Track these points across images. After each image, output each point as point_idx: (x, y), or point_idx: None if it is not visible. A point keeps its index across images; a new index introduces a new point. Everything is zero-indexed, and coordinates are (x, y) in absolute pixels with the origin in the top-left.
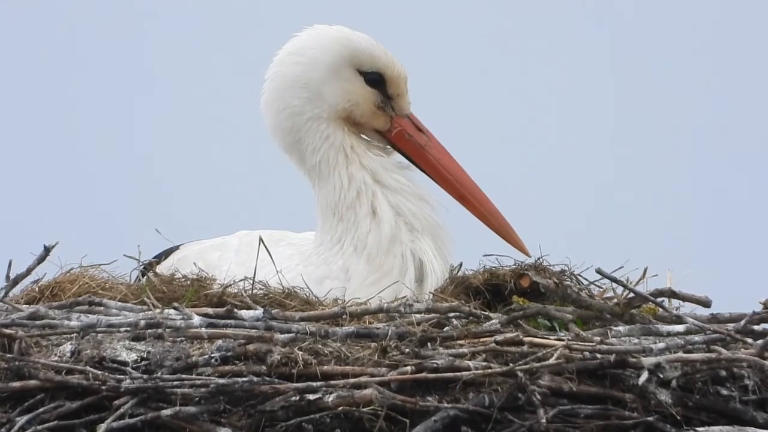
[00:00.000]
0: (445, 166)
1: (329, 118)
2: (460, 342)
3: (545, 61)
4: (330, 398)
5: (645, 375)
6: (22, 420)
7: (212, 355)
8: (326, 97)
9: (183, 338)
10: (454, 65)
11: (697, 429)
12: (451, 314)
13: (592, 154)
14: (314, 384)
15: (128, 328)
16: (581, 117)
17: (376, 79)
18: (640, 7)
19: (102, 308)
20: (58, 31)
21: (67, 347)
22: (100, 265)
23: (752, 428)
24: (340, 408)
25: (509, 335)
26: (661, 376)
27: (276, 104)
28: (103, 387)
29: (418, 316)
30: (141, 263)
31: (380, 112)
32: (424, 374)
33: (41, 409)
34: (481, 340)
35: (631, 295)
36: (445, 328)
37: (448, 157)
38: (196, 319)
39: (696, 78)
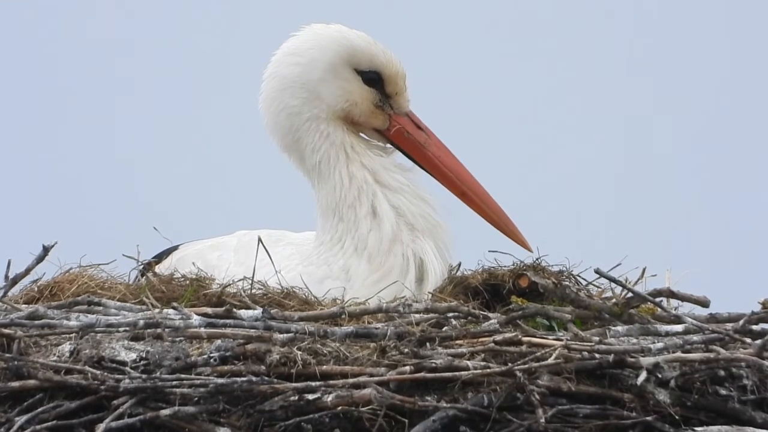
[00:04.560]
0: (445, 163)
1: (328, 118)
2: (458, 342)
3: (545, 60)
4: (329, 398)
5: (643, 375)
6: (21, 420)
7: (211, 354)
8: (324, 98)
9: (182, 338)
10: (454, 63)
11: (696, 429)
12: (450, 314)
13: (592, 154)
14: (313, 384)
15: (127, 328)
16: (580, 116)
17: (374, 78)
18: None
19: (101, 308)
20: (53, 32)
21: (66, 347)
22: (99, 264)
23: (751, 428)
24: (339, 408)
25: (508, 335)
26: (660, 375)
27: (274, 104)
28: (102, 387)
29: (416, 316)
30: (140, 263)
31: (379, 111)
32: (422, 374)
33: (40, 409)
34: (480, 340)
35: (630, 295)
36: (444, 328)
37: (448, 155)
38: (195, 319)
39: (696, 78)
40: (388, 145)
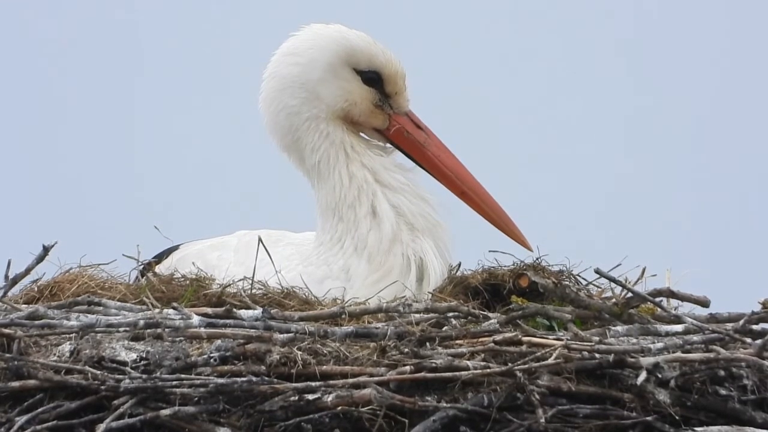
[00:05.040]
0: (445, 162)
1: (327, 118)
2: (458, 342)
3: (545, 60)
4: (329, 398)
5: (643, 375)
6: (21, 420)
7: (211, 354)
8: (323, 98)
9: (182, 338)
10: (454, 63)
11: (696, 429)
12: (450, 314)
13: (591, 154)
14: (313, 384)
15: (127, 328)
16: (580, 116)
17: (373, 78)
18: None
19: (101, 308)
20: (54, 32)
21: (66, 347)
22: (99, 264)
23: (751, 428)
24: (339, 408)
25: (508, 335)
26: (660, 375)
27: (274, 104)
28: (102, 387)
29: (417, 315)
30: (140, 263)
31: (378, 111)
32: (422, 374)
33: (40, 409)
34: (480, 339)
35: (630, 294)
36: (444, 328)
37: (447, 154)
38: (195, 319)
39: (696, 78)
40: (388, 145)
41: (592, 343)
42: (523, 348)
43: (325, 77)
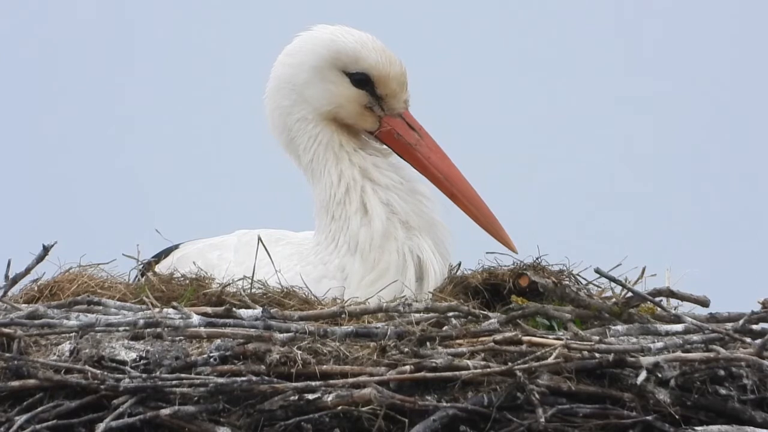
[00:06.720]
0: (435, 164)
1: (315, 120)
2: (459, 341)
3: (546, 60)
4: (329, 398)
5: (643, 374)
6: (21, 419)
7: (211, 354)
8: (310, 100)
9: (182, 337)
10: (456, 60)
11: (696, 428)
12: (450, 314)
13: (592, 154)
14: (313, 383)
15: (127, 328)
16: (581, 116)
17: (363, 80)
18: None
19: (101, 307)
20: (53, 33)
21: (66, 346)
22: (98, 264)
23: (750, 427)
24: (339, 407)
25: (508, 335)
26: (660, 375)
27: (271, 104)
28: (102, 386)
29: (417, 315)
30: (140, 262)
31: (368, 113)
32: (423, 374)
33: (40, 409)
34: (480, 339)
35: (630, 294)
36: (444, 328)
37: (439, 156)
38: (195, 319)
39: (696, 80)
40: (385, 147)
41: (592, 343)
42: (523, 347)
43: (311, 79)
